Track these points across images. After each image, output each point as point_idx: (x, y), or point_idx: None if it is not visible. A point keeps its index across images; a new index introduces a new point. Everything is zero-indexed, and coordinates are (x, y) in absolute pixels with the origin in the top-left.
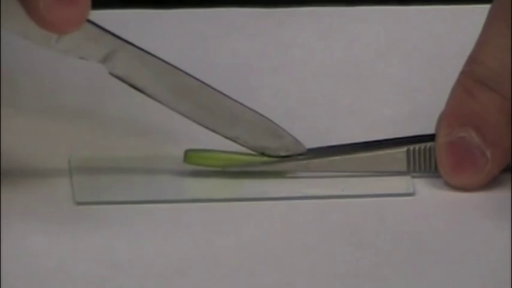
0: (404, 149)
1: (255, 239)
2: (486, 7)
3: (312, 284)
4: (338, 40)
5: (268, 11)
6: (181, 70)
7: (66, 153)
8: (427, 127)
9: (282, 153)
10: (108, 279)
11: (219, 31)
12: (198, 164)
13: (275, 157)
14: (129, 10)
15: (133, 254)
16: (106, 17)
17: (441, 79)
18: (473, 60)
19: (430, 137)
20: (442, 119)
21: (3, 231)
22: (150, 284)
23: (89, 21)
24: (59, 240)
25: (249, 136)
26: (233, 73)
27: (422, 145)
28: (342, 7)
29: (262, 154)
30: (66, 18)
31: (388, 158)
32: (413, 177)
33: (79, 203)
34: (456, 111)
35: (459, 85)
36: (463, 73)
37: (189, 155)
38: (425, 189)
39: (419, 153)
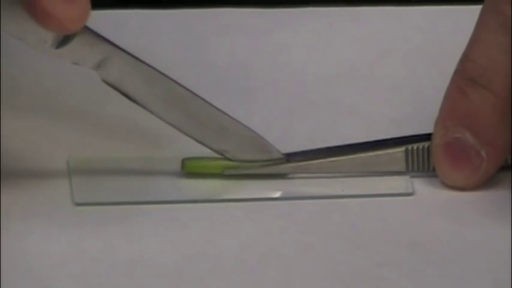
0: (403, 148)
1: (255, 239)
2: None
3: (312, 283)
4: (338, 40)
5: (268, 11)
6: (173, 80)
7: (66, 154)
8: (427, 127)
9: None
10: (108, 279)
11: (219, 31)
12: (196, 172)
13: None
14: (129, 10)
15: (133, 254)
16: (106, 17)
17: (441, 79)
18: (465, 59)
19: (428, 136)
20: (438, 120)
21: (3, 231)
22: (150, 284)
23: (86, 26)
24: (59, 241)
25: (237, 150)
26: (232, 73)
27: (421, 144)
28: (342, 7)
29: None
30: (70, 15)
31: (387, 157)
32: (412, 176)
33: (78, 204)
34: (450, 111)
35: (453, 85)
36: (456, 72)
37: (186, 164)
38: (424, 189)
39: (417, 153)
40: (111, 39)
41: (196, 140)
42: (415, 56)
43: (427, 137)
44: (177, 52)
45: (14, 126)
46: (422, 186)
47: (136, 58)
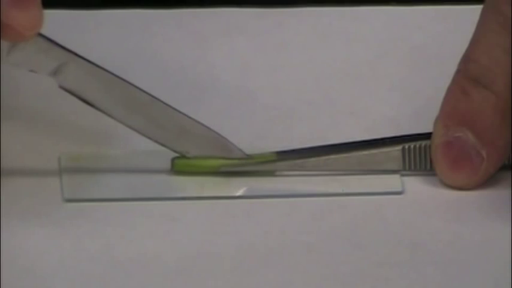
0: (400, 147)
1: (255, 238)
2: None
3: (312, 283)
4: (338, 40)
5: (268, 11)
6: (130, 83)
7: (64, 152)
8: (427, 127)
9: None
10: (107, 279)
11: (219, 31)
12: (187, 171)
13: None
14: (129, 10)
15: (133, 254)
16: (106, 17)
17: (441, 79)
18: (467, 59)
19: (426, 136)
20: (438, 119)
21: (3, 231)
22: (149, 284)
23: (40, 34)
24: (58, 240)
25: (199, 150)
26: (233, 73)
27: (418, 143)
28: (342, 7)
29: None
30: (25, 22)
31: (383, 156)
32: (410, 175)
33: (67, 200)
34: (451, 111)
35: (454, 84)
36: (457, 72)
37: (176, 163)
38: (424, 188)
39: (414, 152)
40: (112, 39)
41: (157, 142)
42: (415, 56)
43: (424, 136)
44: (178, 52)
45: (14, 126)
46: (422, 186)
47: (92, 63)
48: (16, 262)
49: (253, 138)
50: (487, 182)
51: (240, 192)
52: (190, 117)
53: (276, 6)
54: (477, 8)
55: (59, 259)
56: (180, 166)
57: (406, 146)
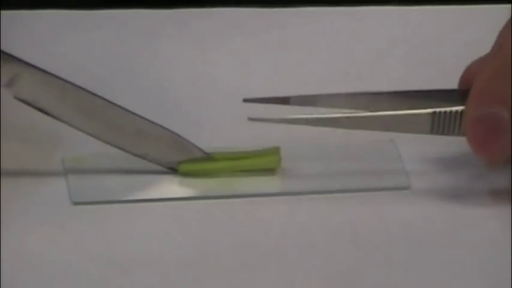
0: (431, 111)
1: (255, 238)
2: (486, 7)
3: (312, 283)
4: (338, 40)
5: (268, 11)
6: (85, 90)
7: (65, 152)
8: None
9: None
10: (107, 279)
11: (219, 31)
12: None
13: None
14: (129, 10)
15: (133, 254)
16: (106, 17)
17: (441, 79)
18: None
19: (457, 95)
20: (474, 93)
21: (3, 231)
22: (150, 284)
23: None
24: (59, 240)
25: (158, 152)
26: (233, 73)
27: (448, 109)
28: (342, 7)
29: (172, 169)
30: None
31: (413, 118)
32: (416, 173)
33: (76, 203)
34: (490, 86)
35: (495, 61)
36: (500, 49)
37: (180, 167)
38: (424, 189)
39: (444, 117)
40: (112, 39)
41: (116, 146)
42: (415, 56)
43: (456, 95)
44: (178, 52)
45: (14, 126)
46: (417, 186)
47: (46, 72)
48: (16, 262)
49: (253, 138)
50: (487, 182)
51: (241, 191)
52: (147, 119)
53: (276, 6)
54: (477, 8)
55: (59, 259)
56: (185, 170)
57: (438, 111)
